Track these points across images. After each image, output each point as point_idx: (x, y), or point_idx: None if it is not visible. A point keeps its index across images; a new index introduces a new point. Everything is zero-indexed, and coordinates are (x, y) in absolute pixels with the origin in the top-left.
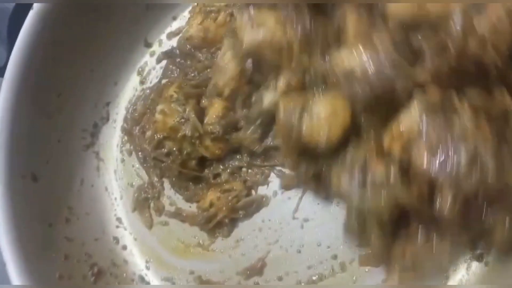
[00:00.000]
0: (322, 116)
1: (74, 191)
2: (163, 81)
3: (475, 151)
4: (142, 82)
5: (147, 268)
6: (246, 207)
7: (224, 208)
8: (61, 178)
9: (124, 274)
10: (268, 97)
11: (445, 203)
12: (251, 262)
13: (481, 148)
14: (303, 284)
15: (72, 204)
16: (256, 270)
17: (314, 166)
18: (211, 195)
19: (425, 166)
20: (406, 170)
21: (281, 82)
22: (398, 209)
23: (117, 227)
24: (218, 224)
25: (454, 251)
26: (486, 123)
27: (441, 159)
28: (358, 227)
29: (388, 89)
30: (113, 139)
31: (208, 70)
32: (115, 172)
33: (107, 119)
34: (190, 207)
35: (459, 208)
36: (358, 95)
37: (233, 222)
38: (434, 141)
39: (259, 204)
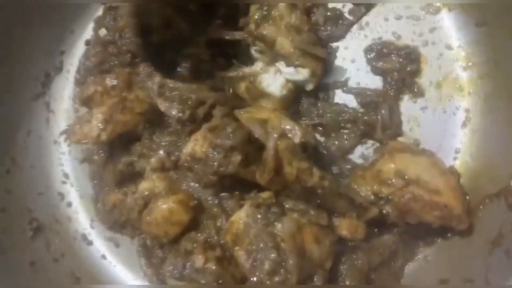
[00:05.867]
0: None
1: (19, 142)
2: None
3: (281, 258)
4: (98, 33)
5: (92, 227)
6: None
7: None
8: (6, 127)
9: (67, 232)
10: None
11: None
12: None
13: (289, 254)
14: None
15: (16, 155)
16: None
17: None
18: None
19: (242, 263)
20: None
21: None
22: None
23: (63, 182)
24: None
25: None
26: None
27: (253, 264)
28: None
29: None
30: (65, 91)
31: None
32: (67, 129)
33: (61, 69)
34: None
35: None
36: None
37: None
38: (251, 245)
39: None
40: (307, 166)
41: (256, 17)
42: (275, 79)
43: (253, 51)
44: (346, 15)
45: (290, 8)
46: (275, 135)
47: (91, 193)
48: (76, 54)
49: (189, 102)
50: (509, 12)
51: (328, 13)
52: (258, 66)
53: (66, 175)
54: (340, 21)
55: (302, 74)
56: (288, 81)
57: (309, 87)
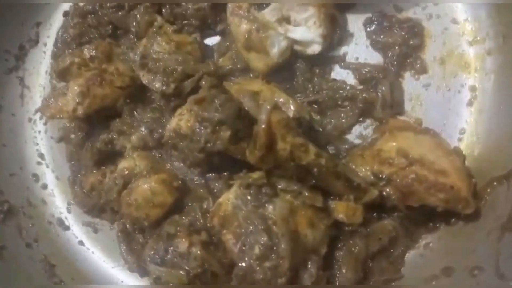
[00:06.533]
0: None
1: None
2: None
3: (273, 242)
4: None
5: (68, 211)
6: None
7: None
8: None
9: (41, 216)
10: None
11: None
12: None
13: (281, 238)
14: None
15: None
16: None
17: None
18: None
19: (230, 247)
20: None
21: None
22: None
23: (39, 163)
24: None
25: None
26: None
27: (242, 248)
28: None
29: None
30: (41, 65)
31: None
32: (42, 102)
33: (37, 42)
34: None
35: None
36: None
37: None
38: (240, 228)
39: None
40: (302, 142)
41: None
42: (279, 41)
43: None
44: None
45: None
46: (268, 107)
47: (68, 174)
48: (53, 26)
49: (174, 74)
50: None
51: None
52: (272, 14)
53: (41, 156)
54: None
55: (314, 33)
56: (288, 46)
57: (315, 49)
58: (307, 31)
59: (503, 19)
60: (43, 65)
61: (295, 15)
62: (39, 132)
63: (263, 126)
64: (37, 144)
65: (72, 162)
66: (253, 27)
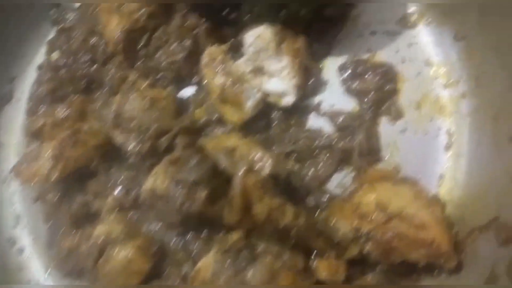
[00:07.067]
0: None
1: None
2: None
3: None
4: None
5: (47, 273)
6: None
7: None
8: None
9: (18, 283)
10: None
11: None
12: None
13: None
14: None
15: None
16: None
17: None
18: None
19: None
20: None
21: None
22: None
23: (14, 226)
24: None
25: None
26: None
27: None
28: None
29: None
30: (16, 121)
31: None
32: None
33: (10, 98)
34: None
35: None
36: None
37: None
38: None
39: None
40: (279, 203)
41: None
42: (254, 93)
43: (250, 39)
44: None
45: None
46: (241, 171)
47: (46, 236)
48: (27, 81)
49: (148, 133)
50: (488, 25)
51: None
52: (247, 65)
53: (18, 217)
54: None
55: (287, 84)
56: (262, 99)
57: (289, 101)
58: (280, 82)
59: (473, 62)
60: (18, 122)
61: (269, 66)
62: (15, 193)
63: (237, 191)
64: (14, 204)
65: (50, 223)
66: (228, 81)
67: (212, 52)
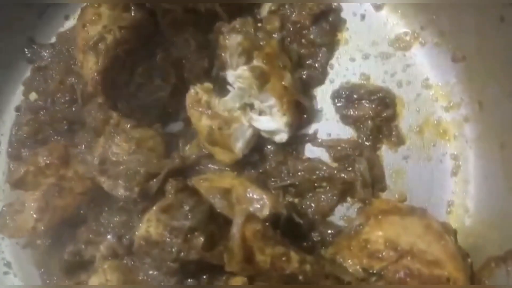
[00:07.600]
0: None
1: None
2: None
3: None
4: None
5: None
6: None
7: None
8: None
9: None
10: None
11: None
12: None
13: None
14: None
15: None
16: None
17: None
18: None
19: None
20: None
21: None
22: None
23: (5, 273)
24: None
25: None
26: None
27: None
28: None
29: None
30: None
31: None
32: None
33: None
34: None
35: None
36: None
37: None
38: None
39: None
40: (282, 251)
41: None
42: (244, 131)
43: (231, 79)
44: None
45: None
46: (240, 221)
47: (39, 283)
48: (6, 123)
49: (137, 177)
50: (489, 45)
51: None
52: (234, 101)
53: (8, 264)
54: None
55: (278, 122)
56: (254, 135)
57: (282, 138)
58: (271, 121)
59: (475, 85)
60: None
61: (258, 103)
62: (3, 238)
63: (237, 242)
64: (3, 252)
65: (42, 270)
66: (215, 124)
67: (195, 93)
